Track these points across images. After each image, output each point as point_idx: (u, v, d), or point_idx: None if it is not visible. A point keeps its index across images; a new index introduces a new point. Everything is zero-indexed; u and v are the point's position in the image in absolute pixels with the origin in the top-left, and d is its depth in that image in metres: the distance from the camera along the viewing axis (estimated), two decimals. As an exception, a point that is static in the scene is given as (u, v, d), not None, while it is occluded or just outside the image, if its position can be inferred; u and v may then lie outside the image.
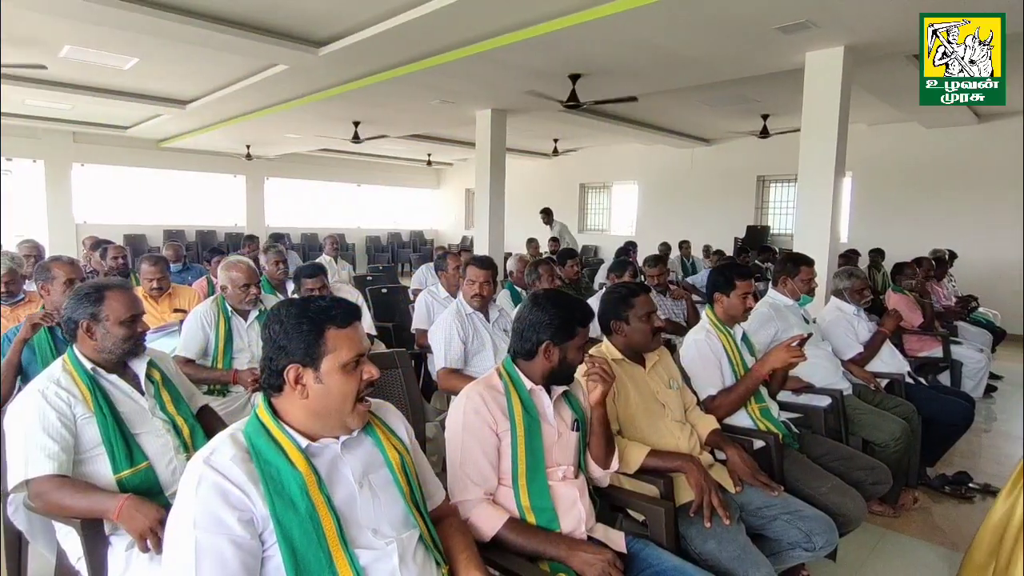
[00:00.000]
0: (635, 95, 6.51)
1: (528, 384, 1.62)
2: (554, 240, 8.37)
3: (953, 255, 6.90)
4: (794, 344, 2.21)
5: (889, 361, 3.32)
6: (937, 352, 4.19)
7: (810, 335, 2.39)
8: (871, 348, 3.26)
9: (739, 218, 11.03)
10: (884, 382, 3.18)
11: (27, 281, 3.36)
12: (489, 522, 1.47)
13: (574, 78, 6.10)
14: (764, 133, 8.78)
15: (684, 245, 8.80)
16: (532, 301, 1.66)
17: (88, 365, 1.66)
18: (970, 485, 3.10)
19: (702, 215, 11.54)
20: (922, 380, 3.51)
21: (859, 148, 7.72)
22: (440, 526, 1.35)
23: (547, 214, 9.28)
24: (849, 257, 6.39)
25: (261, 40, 5.24)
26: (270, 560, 1.10)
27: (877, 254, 7.49)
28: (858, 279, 3.42)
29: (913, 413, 2.90)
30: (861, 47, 4.78)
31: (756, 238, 10.44)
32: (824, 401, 2.73)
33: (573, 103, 6.38)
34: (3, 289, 3.06)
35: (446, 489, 1.49)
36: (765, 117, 8.53)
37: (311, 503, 1.11)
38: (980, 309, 5.87)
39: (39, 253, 4.59)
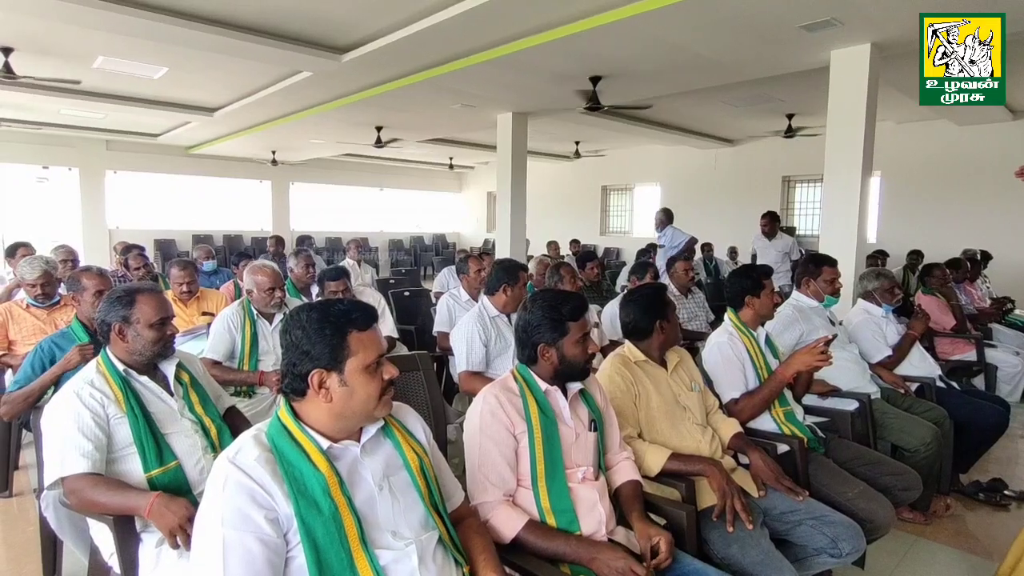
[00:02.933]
0: (651, 101, 6.46)
1: (543, 385, 1.62)
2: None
3: (987, 256, 6.71)
4: (819, 346, 2.18)
5: (919, 364, 3.24)
6: (970, 355, 4.08)
7: (835, 336, 2.35)
8: (900, 351, 3.19)
9: (764, 219, 10.87)
10: (914, 386, 3.11)
11: (61, 284, 3.47)
12: (509, 524, 1.47)
13: (595, 80, 6.09)
14: (789, 133, 8.66)
15: (706, 247, 8.73)
16: (522, 306, 1.69)
17: (120, 367, 1.71)
18: (1005, 492, 3.00)
19: (726, 217, 11.41)
20: (954, 384, 3.42)
21: (887, 147, 7.57)
22: (460, 527, 1.36)
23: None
24: (877, 258, 6.26)
25: (286, 48, 5.34)
26: (293, 560, 1.11)
27: (916, 256, 7.29)
28: (886, 279, 3.35)
29: (944, 418, 2.83)
30: (888, 44, 4.69)
31: (781, 239, 10.27)
32: (851, 405, 2.67)
33: (594, 106, 6.37)
34: (39, 291, 3.16)
35: (466, 491, 1.50)
36: (790, 116, 8.41)
37: (334, 504, 1.13)
38: (1016, 311, 5.69)
39: (73, 258, 4.73)
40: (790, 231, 10.62)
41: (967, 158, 8.56)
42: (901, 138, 8.84)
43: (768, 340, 2.47)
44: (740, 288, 2.45)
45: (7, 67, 5.79)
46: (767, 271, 2.46)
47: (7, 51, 5.70)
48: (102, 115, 9.19)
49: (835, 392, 2.75)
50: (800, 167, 10.49)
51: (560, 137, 10.81)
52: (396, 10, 4.67)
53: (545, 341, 1.61)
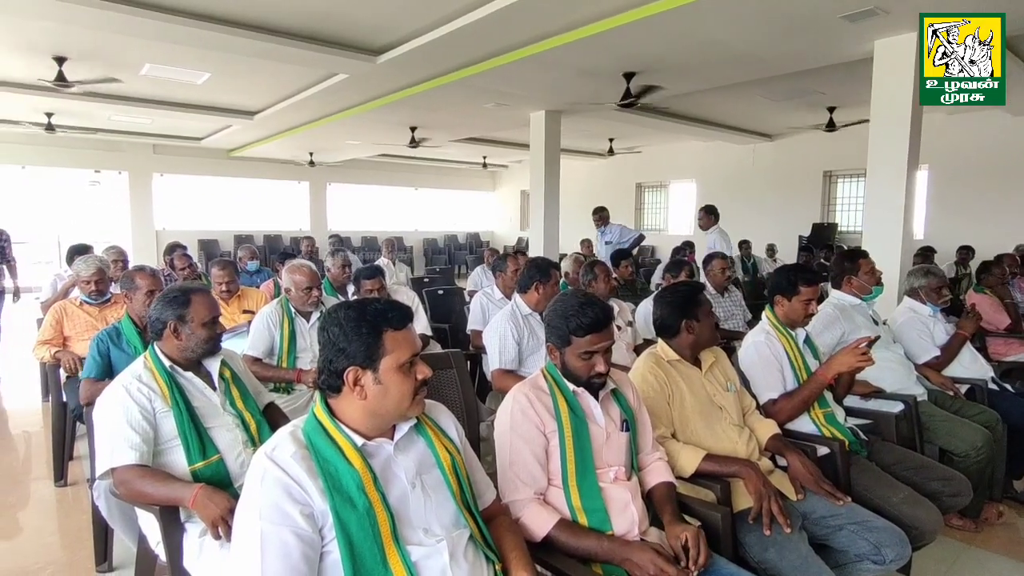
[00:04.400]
0: (684, 91, 6.38)
1: (571, 385, 1.61)
2: None
3: (1044, 252, 6.39)
4: (861, 347, 2.11)
5: (970, 366, 3.10)
6: (1026, 356, 3.90)
7: (878, 337, 2.27)
8: (949, 351, 3.06)
9: (804, 215, 10.61)
10: (965, 388, 2.99)
11: (113, 283, 3.62)
12: (540, 522, 1.47)
13: (629, 76, 6.03)
14: (831, 126, 8.41)
15: (744, 244, 8.55)
16: (551, 303, 1.69)
17: (167, 363, 1.78)
18: (1063, 501, 2.86)
19: (764, 213, 11.15)
20: (1008, 386, 3.27)
21: (936, 139, 7.28)
22: (492, 525, 1.36)
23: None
24: (925, 255, 6.04)
25: (322, 51, 5.44)
26: (328, 555, 1.13)
27: (966, 251, 6.99)
28: (935, 277, 3.21)
29: (997, 421, 2.71)
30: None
31: (822, 236, 10.00)
32: (896, 407, 2.58)
33: (628, 101, 6.31)
34: (93, 288, 3.30)
35: (497, 489, 1.51)
36: (831, 110, 8.18)
37: (368, 500, 1.14)
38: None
39: (124, 258, 4.91)
40: (831, 228, 10.34)
41: (1023, 149, 8.17)
42: (951, 130, 8.48)
43: (808, 340, 2.40)
44: (774, 284, 2.39)
45: (61, 75, 6.06)
46: (809, 278, 2.32)
47: (61, 60, 5.97)
48: (149, 120, 9.54)
49: (878, 393, 2.66)
50: (842, 161, 10.18)
51: (594, 134, 10.73)
52: (429, 11, 4.71)
53: (553, 342, 1.62)
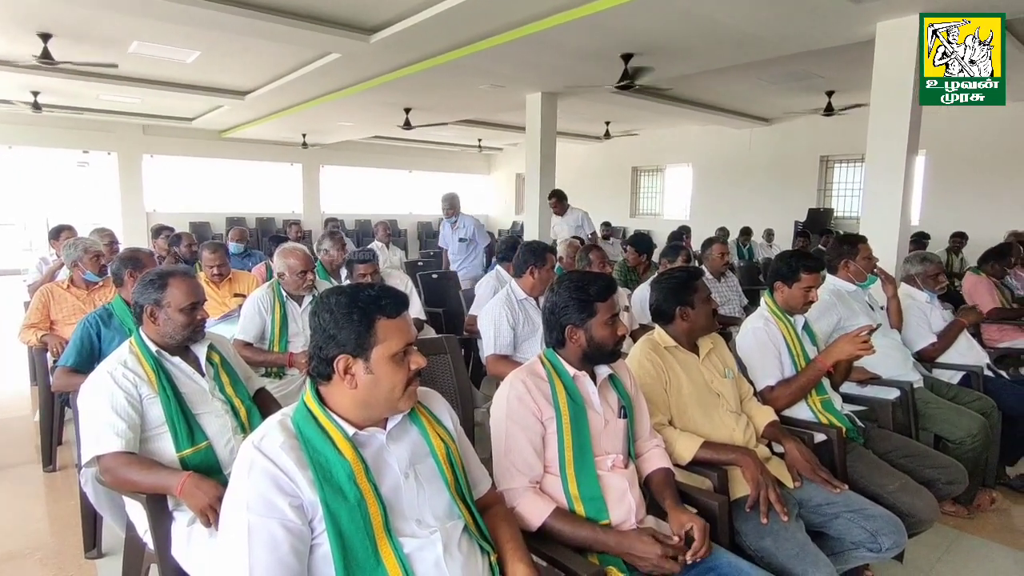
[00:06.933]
0: (679, 79, 6.29)
1: (571, 371, 1.59)
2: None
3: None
4: (861, 335, 2.09)
5: (966, 352, 3.11)
6: (1020, 343, 3.90)
7: (879, 325, 2.25)
8: (947, 338, 3.06)
9: (800, 201, 10.57)
10: (960, 375, 2.99)
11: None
12: (536, 512, 1.45)
13: (627, 58, 5.94)
14: (829, 111, 8.34)
15: (745, 231, 8.54)
16: (549, 288, 1.67)
17: (153, 348, 1.73)
18: (1055, 487, 2.88)
19: (760, 198, 11.12)
20: (1003, 373, 3.28)
21: (934, 125, 7.21)
22: (487, 515, 1.34)
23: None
24: (920, 241, 6.04)
25: (315, 29, 5.32)
26: (318, 548, 1.10)
27: (959, 238, 6.99)
28: (932, 263, 3.21)
29: (992, 408, 2.71)
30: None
31: (818, 221, 9.98)
32: (892, 393, 2.58)
33: (625, 84, 6.22)
34: (104, 261, 3.27)
35: (492, 477, 1.48)
36: (830, 94, 8.10)
37: (359, 491, 1.11)
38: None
39: (115, 241, 4.84)
40: (827, 213, 10.31)
41: (1021, 137, 8.14)
42: (949, 116, 8.41)
43: (806, 327, 2.38)
44: (774, 270, 2.36)
45: (46, 53, 5.92)
46: (811, 265, 2.29)
47: (46, 37, 5.82)
48: (138, 100, 9.37)
49: (875, 380, 2.65)
50: (840, 146, 10.13)
51: (590, 117, 10.62)
52: (424, -11, 4.61)
53: (573, 323, 1.57)
